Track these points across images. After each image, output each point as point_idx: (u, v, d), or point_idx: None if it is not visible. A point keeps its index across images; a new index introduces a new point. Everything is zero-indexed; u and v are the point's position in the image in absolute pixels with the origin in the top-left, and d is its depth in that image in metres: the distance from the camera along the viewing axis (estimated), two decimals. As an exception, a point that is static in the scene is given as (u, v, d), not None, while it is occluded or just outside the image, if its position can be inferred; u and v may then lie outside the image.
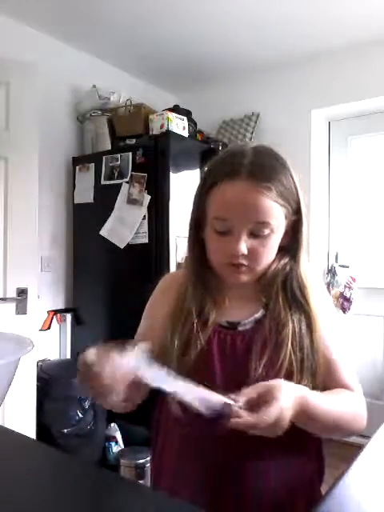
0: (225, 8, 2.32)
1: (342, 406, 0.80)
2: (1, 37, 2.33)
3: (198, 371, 0.77)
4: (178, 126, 2.46)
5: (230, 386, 0.71)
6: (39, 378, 2.17)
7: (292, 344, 0.79)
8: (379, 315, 2.81)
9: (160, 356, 0.82)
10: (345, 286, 2.82)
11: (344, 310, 2.81)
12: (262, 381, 0.72)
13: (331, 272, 2.91)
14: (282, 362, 0.78)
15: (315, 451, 0.88)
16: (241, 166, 0.77)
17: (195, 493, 0.79)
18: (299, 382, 0.76)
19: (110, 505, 0.56)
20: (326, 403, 0.76)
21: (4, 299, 2.03)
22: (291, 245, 0.84)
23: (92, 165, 2.58)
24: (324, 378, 0.81)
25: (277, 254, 0.83)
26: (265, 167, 0.78)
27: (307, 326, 0.82)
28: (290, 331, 0.80)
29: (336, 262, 2.96)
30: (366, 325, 2.84)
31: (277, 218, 0.78)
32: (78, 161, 2.68)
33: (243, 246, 0.77)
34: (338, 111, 2.89)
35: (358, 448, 0.80)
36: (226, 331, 0.84)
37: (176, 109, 2.66)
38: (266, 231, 0.78)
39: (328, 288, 2.87)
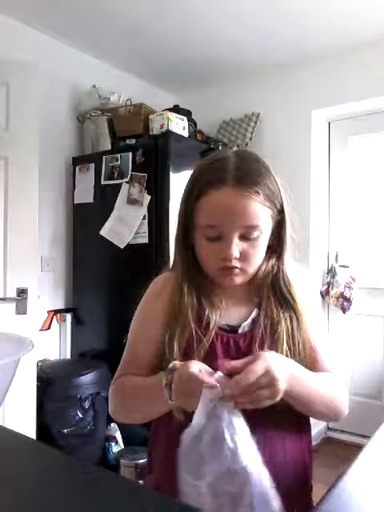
0: (224, 8, 2.32)
1: (328, 383, 0.84)
2: (1, 37, 2.33)
3: None
4: (178, 125, 2.46)
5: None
6: (39, 378, 2.17)
7: (287, 341, 0.82)
8: (379, 315, 2.81)
9: (158, 364, 0.83)
10: (345, 286, 2.82)
11: (344, 310, 2.81)
12: None
13: (331, 272, 2.92)
14: None
15: (305, 435, 0.89)
16: (227, 172, 0.79)
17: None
18: None
19: (110, 505, 0.56)
20: (314, 376, 0.80)
21: (4, 299, 2.03)
22: (277, 244, 0.87)
23: (92, 165, 2.58)
24: (308, 365, 0.84)
25: (265, 255, 0.86)
26: (250, 172, 0.80)
27: (296, 321, 0.85)
28: (284, 329, 0.83)
29: (336, 262, 2.96)
30: (366, 325, 2.84)
31: (265, 220, 0.81)
32: (77, 161, 2.68)
33: (235, 250, 0.79)
34: (338, 111, 2.89)
35: (358, 448, 0.80)
36: (228, 334, 0.85)
37: (176, 109, 2.66)
38: (256, 233, 0.80)
39: (328, 288, 2.87)
